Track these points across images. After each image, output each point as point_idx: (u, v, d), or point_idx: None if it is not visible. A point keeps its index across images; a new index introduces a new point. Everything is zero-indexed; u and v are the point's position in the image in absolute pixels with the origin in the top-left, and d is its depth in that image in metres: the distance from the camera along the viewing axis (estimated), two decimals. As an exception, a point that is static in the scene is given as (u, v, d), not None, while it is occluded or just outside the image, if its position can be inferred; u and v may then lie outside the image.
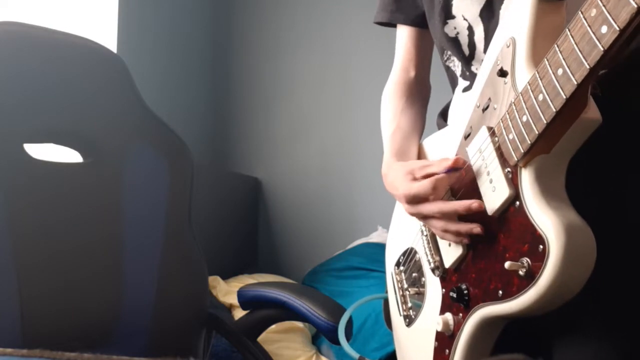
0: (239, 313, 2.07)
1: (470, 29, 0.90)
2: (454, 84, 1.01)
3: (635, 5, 0.51)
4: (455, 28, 0.91)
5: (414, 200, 0.84)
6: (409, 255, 1.01)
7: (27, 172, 1.09)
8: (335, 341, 1.11)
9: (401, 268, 1.03)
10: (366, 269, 2.47)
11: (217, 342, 1.84)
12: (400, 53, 1.12)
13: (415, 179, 0.87)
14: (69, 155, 1.21)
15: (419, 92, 1.11)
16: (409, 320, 0.98)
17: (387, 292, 1.12)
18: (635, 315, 0.72)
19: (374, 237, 2.73)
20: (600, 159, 0.72)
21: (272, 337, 2.05)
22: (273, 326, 1.36)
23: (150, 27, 2.67)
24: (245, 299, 1.26)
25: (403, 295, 1.01)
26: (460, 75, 0.96)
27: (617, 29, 0.53)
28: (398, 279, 1.03)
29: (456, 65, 0.97)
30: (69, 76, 1.17)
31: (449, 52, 0.97)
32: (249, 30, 3.13)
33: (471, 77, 0.92)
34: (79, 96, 1.18)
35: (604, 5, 0.54)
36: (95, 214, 1.16)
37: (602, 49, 0.54)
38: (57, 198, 1.12)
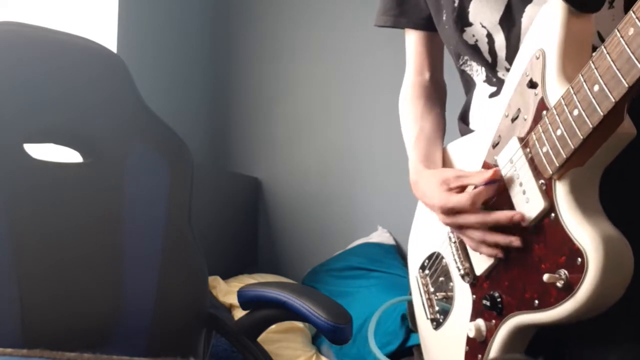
0: (239, 313, 2.07)
1: (489, 36, 0.89)
2: (468, 87, 1.00)
3: None
4: (474, 36, 0.90)
5: (451, 212, 0.83)
6: (435, 260, 1.00)
7: (27, 172, 1.09)
8: (335, 341, 1.10)
9: (426, 272, 1.02)
10: (366, 269, 2.47)
11: (217, 342, 1.84)
12: (412, 56, 1.10)
13: (450, 189, 0.86)
14: (69, 155, 1.21)
15: (436, 93, 1.10)
16: (437, 324, 0.97)
17: (410, 294, 1.12)
18: None
19: (374, 237, 2.73)
20: (633, 168, 0.73)
21: (272, 337, 2.05)
22: (273, 326, 1.36)
23: (150, 27, 2.67)
24: (245, 299, 1.26)
25: (429, 299, 1.00)
26: (485, 81, 0.95)
27: None
28: (423, 282, 1.03)
29: (474, 70, 0.96)
30: (69, 76, 1.17)
31: (466, 58, 0.96)
32: (249, 31, 3.13)
33: (498, 83, 0.91)
34: (79, 96, 1.18)
35: None
36: (95, 214, 1.16)
37: None
38: (57, 198, 1.12)
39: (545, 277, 0.67)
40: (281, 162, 3.01)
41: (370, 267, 2.47)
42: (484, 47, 0.90)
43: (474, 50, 0.91)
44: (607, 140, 0.65)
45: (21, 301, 1.03)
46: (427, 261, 1.03)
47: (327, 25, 3.01)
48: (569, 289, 0.65)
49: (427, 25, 1.05)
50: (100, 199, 1.18)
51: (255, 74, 3.12)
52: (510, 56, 0.86)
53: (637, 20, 0.55)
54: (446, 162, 1.01)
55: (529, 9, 0.83)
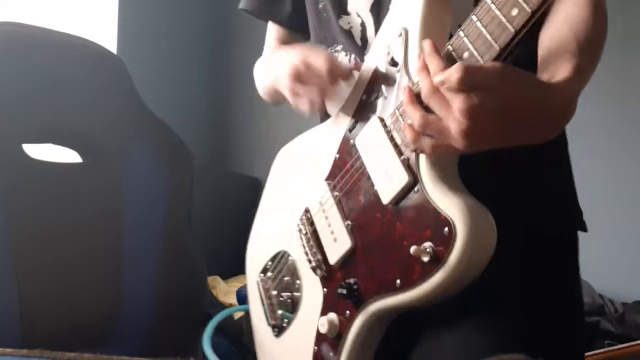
0: (239, 313, 2.07)
1: (362, 25, 0.91)
2: None
3: None
4: (349, 23, 0.92)
5: (304, 67, 0.81)
6: (280, 260, 0.95)
7: (27, 172, 1.09)
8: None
9: (269, 274, 0.97)
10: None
11: (217, 342, 1.84)
12: (271, 48, 1.11)
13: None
14: (68, 155, 1.21)
15: None
16: (279, 330, 0.92)
17: (248, 303, 1.06)
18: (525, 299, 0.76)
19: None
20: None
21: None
22: (273, 326, 1.36)
23: (150, 27, 2.67)
24: (244, 299, 1.26)
25: (271, 304, 0.95)
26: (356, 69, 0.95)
27: (529, 11, 0.56)
28: (265, 286, 0.97)
29: (340, 58, 0.96)
30: (69, 77, 1.17)
31: (335, 45, 0.96)
32: (248, 30, 3.13)
33: None
34: (78, 96, 1.18)
35: None
36: (94, 214, 1.16)
37: (513, 30, 0.57)
38: (56, 198, 1.12)
39: (412, 249, 0.66)
40: (281, 162, 3.00)
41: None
42: (357, 34, 0.92)
43: (348, 35, 0.93)
44: None
45: (21, 301, 1.03)
46: (270, 263, 0.97)
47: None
48: (436, 261, 0.64)
49: (288, 24, 1.07)
50: (99, 199, 1.18)
51: (255, 74, 3.11)
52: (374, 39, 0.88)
53: None
54: (299, 153, 1.00)
55: None
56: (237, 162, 3.09)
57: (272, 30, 1.11)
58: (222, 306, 2.20)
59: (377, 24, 0.88)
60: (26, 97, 1.10)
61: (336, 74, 0.81)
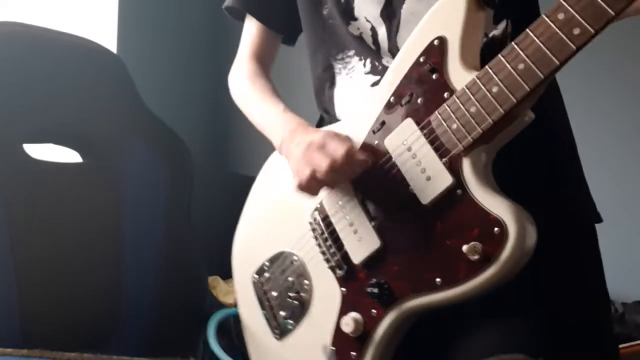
0: (238, 313, 2.07)
1: (373, 29, 0.91)
2: (332, 82, 1.00)
3: (612, 13, 0.60)
4: (358, 29, 0.93)
5: (322, 147, 0.81)
6: (282, 261, 0.94)
7: (27, 172, 1.09)
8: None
9: (266, 275, 0.96)
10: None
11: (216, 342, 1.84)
12: (249, 44, 1.09)
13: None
14: (68, 155, 1.21)
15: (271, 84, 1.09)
16: (281, 332, 0.92)
17: (236, 306, 1.05)
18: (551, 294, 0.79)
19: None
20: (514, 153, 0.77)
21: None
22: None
23: (150, 27, 2.67)
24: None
25: (271, 306, 0.94)
26: (370, 72, 0.94)
27: (592, 31, 0.62)
28: (263, 288, 0.96)
29: (350, 66, 0.96)
30: (69, 76, 1.17)
31: (346, 52, 0.96)
32: (248, 30, 3.12)
33: (384, 71, 0.91)
34: (78, 96, 1.18)
35: (576, 12, 0.63)
36: (94, 215, 1.16)
37: (574, 48, 0.63)
38: (56, 198, 1.12)
39: (465, 247, 0.69)
40: (281, 162, 3.00)
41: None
42: (368, 39, 0.92)
43: (360, 41, 0.93)
44: (515, 120, 0.71)
45: (21, 301, 1.03)
46: (267, 264, 0.96)
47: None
48: (486, 259, 0.68)
49: (274, 25, 1.06)
50: (100, 198, 1.18)
51: (255, 74, 3.11)
52: (392, 47, 0.89)
53: (567, 6, 0.63)
54: None
55: (408, 0, 0.86)
56: (237, 162, 3.08)
57: (253, 29, 1.09)
58: (222, 306, 2.20)
59: (390, 28, 0.88)
60: (26, 97, 1.10)
61: (354, 156, 0.81)
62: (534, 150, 0.82)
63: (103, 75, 1.22)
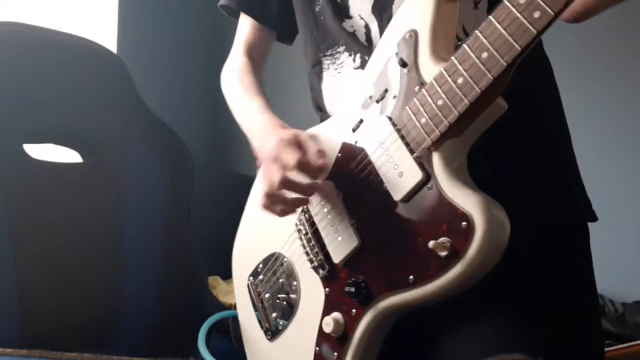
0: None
1: (367, 27, 0.91)
2: (320, 77, 1.00)
3: None
4: (352, 26, 0.93)
5: (289, 144, 0.79)
6: (273, 262, 0.94)
7: (27, 172, 1.09)
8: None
9: (260, 277, 0.96)
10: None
11: (217, 342, 1.84)
12: (243, 42, 1.10)
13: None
14: (69, 155, 1.21)
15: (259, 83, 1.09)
16: (272, 334, 0.92)
17: (235, 308, 1.05)
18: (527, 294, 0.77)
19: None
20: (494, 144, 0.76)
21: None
22: (273, 326, 1.36)
23: (150, 27, 2.67)
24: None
25: (264, 307, 0.94)
26: (360, 67, 0.94)
27: (552, 13, 0.59)
28: (256, 290, 0.96)
29: (339, 62, 0.96)
30: (69, 76, 1.17)
31: (336, 48, 0.96)
32: (248, 30, 3.12)
33: None
34: (79, 96, 1.18)
35: None
36: (94, 214, 1.16)
37: (535, 31, 0.61)
38: (56, 198, 1.12)
39: (431, 244, 0.67)
40: (281, 162, 2.99)
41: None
42: (361, 36, 0.92)
43: (352, 37, 0.93)
44: (484, 111, 0.69)
45: (21, 301, 1.03)
46: (261, 266, 0.96)
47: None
48: (455, 254, 0.66)
49: (272, 24, 1.07)
50: (100, 198, 1.18)
51: (255, 74, 3.11)
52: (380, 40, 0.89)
53: None
54: None
55: None
56: (237, 161, 3.08)
57: (247, 26, 1.09)
58: (222, 306, 2.20)
59: (381, 24, 0.88)
60: (26, 97, 1.10)
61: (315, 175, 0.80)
62: (519, 143, 0.81)
63: (103, 75, 1.22)
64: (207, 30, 3.11)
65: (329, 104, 0.99)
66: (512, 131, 0.75)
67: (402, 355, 0.81)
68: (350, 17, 0.93)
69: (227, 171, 3.01)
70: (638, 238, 2.10)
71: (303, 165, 0.78)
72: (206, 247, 1.32)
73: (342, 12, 0.93)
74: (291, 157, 0.78)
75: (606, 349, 1.64)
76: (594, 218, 0.89)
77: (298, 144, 0.80)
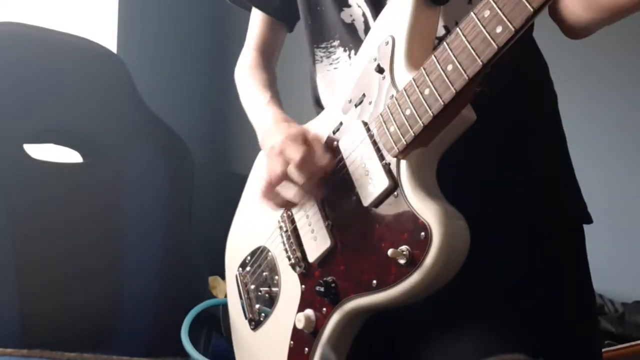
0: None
1: (364, 16, 0.91)
2: (314, 70, 1.00)
3: (531, 9, 0.56)
4: (351, 15, 0.92)
5: (292, 139, 0.80)
6: (259, 255, 0.96)
7: (27, 172, 1.09)
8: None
9: (248, 269, 0.98)
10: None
11: (217, 342, 1.85)
12: (255, 35, 1.10)
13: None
14: (69, 155, 1.21)
15: (273, 76, 1.10)
16: (255, 324, 0.94)
17: (226, 296, 1.07)
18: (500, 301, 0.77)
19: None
20: (476, 156, 0.76)
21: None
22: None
23: (150, 27, 2.67)
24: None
25: (249, 298, 0.96)
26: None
27: (513, 29, 0.58)
28: (244, 280, 0.99)
29: (335, 56, 0.96)
30: (69, 76, 1.17)
31: (332, 41, 0.96)
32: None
33: None
34: (79, 96, 1.18)
35: (499, 8, 0.59)
36: (94, 214, 1.16)
37: (496, 47, 0.60)
38: (56, 198, 1.12)
39: (390, 252, 0.68)
40: (281, 162, 2.99)
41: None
42: (360, 26, 0.92)
43: (350, 29, 0.92)
44: (451, 121, 0.69)
45: (21, 301, 1.03)
46: (249, 258, 0.99)
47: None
48: (413, 263, 0.67)
49: (276, 13, 1.06)
50: (100, 198, 1.18)
51: (255, 74, 3.10)
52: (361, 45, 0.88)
53: (493, 3, 0.60)
54: None
55: None
56: (237, 161, 3.08)
57: (257, 19, 1.10)
58: (222, 306, 2.20)
59: (375, 15, 0.88)
60: (27, 97, 1.11)
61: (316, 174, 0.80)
62: (514, 148, 0.81)
63: (104, 75, 1.22)
64: (207, 30, 3.11)
65: (324, 97, 1.00)
66: (507, 135, 0.75)
67: (402, 355, 0.82)
68: (349, 6, 0.92)
69: (227, 171, 3.02)
70: (638, 238, 2.10)
71: (307, 162, 0.78)
72: (206, 247, 1.32)
73: (341, 0, 0.93)
74: (296, 152, 0.78)
75: (606, 349, 1.64)
76: (589, 220, 0.89)
77: (304, 141, 0.81)
